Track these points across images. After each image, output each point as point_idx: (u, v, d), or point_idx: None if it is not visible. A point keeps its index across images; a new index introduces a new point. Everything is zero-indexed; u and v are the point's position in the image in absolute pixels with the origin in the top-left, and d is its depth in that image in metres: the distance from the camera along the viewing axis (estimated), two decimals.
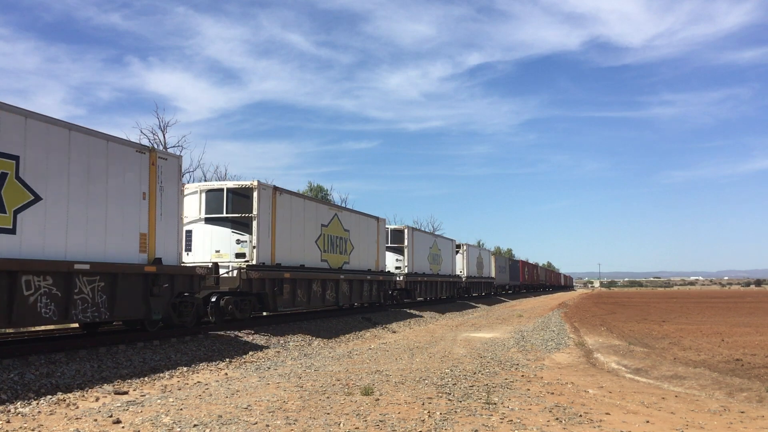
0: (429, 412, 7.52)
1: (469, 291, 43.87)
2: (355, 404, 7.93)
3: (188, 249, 16.78)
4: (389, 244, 29.03)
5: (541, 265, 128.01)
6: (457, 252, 41.87)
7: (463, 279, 42.08)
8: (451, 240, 41.00)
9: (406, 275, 29.89)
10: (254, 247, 16.76)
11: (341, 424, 6.84)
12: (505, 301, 49.20)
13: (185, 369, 11.09)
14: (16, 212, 9.77)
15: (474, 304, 40.44)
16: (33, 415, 7.38)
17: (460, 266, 42.19)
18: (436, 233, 37.28)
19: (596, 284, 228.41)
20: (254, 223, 16.87)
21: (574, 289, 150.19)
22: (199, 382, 10.04)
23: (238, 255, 16.82)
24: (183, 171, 18.14)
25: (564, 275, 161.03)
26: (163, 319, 13.24)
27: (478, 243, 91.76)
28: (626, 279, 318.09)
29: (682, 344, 15.87)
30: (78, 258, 10.78)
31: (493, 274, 52.65)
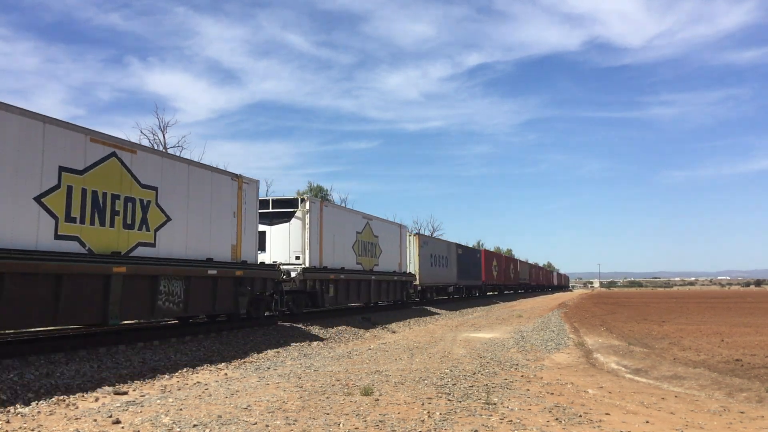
0: (429, 412, 7.52)
1: (319, 296, 20.72)
2: (355, 404, 7.93)
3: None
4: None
5: (535, 263, 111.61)
6: (306, 213, 20.28)
7: (296, 275, 19.63)
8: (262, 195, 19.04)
9: None
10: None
11: (341, 425, 6.84)
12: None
13: (185, 369, 11.10)
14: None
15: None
16: (33, 415, 7.38)
17: (302, 246, 20.19)
18: (212, 166, 15.63)
19: (596, 284, 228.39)
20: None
21: (570, 290, 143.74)
22: (198, 382, 10.04)
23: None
24: None
25: (558, 273, 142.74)
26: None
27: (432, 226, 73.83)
28: (626, 279, 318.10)
29: (682, 344, 15.88)
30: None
31: (413, 268, 32.48)
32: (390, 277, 27.90)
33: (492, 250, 67.18)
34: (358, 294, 24.27)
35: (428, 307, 32.89)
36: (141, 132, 42.44)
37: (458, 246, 43.73)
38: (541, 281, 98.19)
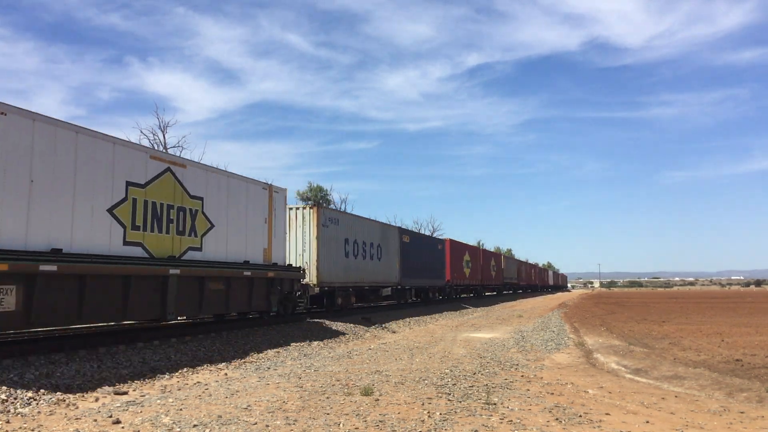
0: (429, 412, 7.52)
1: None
2: (355, 404, 7.93)
3: None
4: None
5: (523, 259, 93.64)
6: None
7: None
8: None
9: None
10: None
11: (341, 425, 6.84)
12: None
13: (185, 369, 11.10)
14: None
15: None
16: (33, 415, 7.38)
17: None
18: None
19: (596, 284, 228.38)
20: None
21: (569, 290, 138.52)
22: (198, 382, 10.04)
23: None
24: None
25: (555, 273, 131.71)
26: None
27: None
28: (626, 279, 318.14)
29: (682, 344, 15.88)
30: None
31: (307, 259, 21.24)
32: (235, 271, 15.64)
33: (459, 240, 45.69)
34: (125, 304, 12.10)
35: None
36: (141, 132, 42.40)
37: (403, 231, 32.02)
38: (533, 281, 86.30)
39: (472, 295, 49.56)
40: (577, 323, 24.17)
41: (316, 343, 16.03)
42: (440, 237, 46.90)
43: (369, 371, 10.92)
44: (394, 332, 20.26)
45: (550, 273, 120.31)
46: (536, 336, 18.29)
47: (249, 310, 17.34)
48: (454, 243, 42.08)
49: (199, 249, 14.69)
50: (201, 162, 15.77)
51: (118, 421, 6.99)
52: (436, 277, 37.03)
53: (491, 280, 53.62)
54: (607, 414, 7.63)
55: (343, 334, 18.33)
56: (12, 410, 7.57)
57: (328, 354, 13.93)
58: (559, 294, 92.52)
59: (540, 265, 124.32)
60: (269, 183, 18.08)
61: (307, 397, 8.46)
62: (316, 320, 20.00)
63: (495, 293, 60.00)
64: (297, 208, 21.74)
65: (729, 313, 30.71)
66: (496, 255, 60.74)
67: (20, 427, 6.81)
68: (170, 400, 8.30)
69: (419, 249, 33.91)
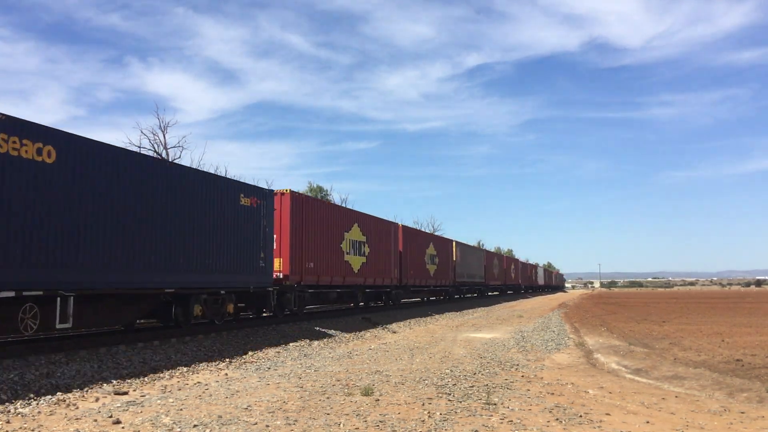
0: (429, 412, 7.51)
1: None
2: (355, 404, 7.92)
3: None
4: None
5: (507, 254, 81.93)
6: None
7: None
8: None
9: None
10: None
11: (341, 425, 6.83)
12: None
13: (185, 369, 11.09)
14: None
15: None
16: (33, 416, 7.37)
17: None
18: None
19: (596, 284, 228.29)
20: None
21: (565, 290, 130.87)
22: (199, 382, 10.03)
23: None
24: None
25: (547, 271, 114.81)
26: None
27: None
28: (626, 279, 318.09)
29: (683, 344, 15.87)
30: None
31: None
32: None
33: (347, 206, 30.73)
34: None
35: None
36: (141, 132, 42.32)
37: (39, 132, 9.91)
38: (513, 280, 65.14)
39: (380, 302, 29.63)
40: (577, 323, 24.17)
41: (316, 342, 16.03)
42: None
43: (369, 371, 10.92)
44: (394, 332, 20.25)
45: (540, 271, 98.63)
46: (536, 336, 18.28)
47: None
48: (306, 200, 21.03)
49: None
50: None
51: (118, 421, 6.99)
52: (224, 271, 15.76)
53: (428, 278, 34.60)
54: (607, 414, 7.63)
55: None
56: (12, 410, 7.57)
57: (328, 354, 13.92)
58: (558, 294, 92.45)
59: (536, 263, 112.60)
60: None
61: (307, 397, 8.45)
62: None
63: (442, 298, 40.38)
64: None
65: (729, 313, 30.72)
66: (441, 240, 39.18)
67: (20, 427, 6.81)
68: (170, 400, 8.29)
69: (146, 195, 12.88)
